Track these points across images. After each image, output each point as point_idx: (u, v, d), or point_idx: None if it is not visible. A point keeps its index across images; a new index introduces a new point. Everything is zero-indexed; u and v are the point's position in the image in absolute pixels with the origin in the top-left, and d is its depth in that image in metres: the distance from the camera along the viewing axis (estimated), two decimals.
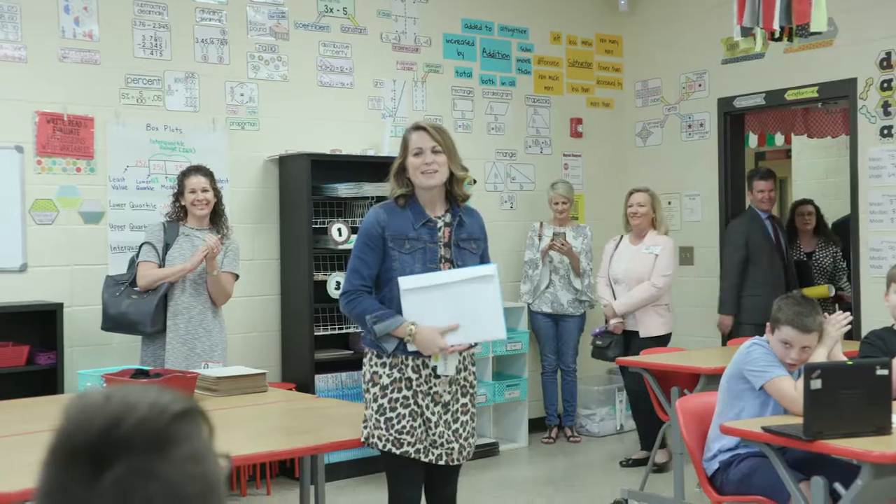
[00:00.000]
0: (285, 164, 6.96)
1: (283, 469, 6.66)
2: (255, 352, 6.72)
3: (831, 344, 4.32)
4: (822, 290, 7.45)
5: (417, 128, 4.05)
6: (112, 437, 1.12)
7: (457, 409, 4.01)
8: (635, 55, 8.76)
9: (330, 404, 5.46)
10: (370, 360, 4.06)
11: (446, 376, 3.96)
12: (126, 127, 6.47)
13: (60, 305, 6.00)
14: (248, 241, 6.60)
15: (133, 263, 5.79)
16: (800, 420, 3.65)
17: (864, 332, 6.28)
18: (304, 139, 7.04)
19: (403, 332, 3.87)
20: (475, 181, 7.88)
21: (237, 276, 6.01)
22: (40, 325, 6.04)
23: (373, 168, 7.07)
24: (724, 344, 7.42)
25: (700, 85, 8.28)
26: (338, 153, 7.03)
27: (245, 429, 4.27)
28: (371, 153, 7.25)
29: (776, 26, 4.74)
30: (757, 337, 4.42)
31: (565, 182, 7.94)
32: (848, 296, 7.59)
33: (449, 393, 3.96)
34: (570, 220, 7.87)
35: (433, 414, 3.92)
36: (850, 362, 3.91)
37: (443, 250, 3.98)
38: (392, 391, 3.93)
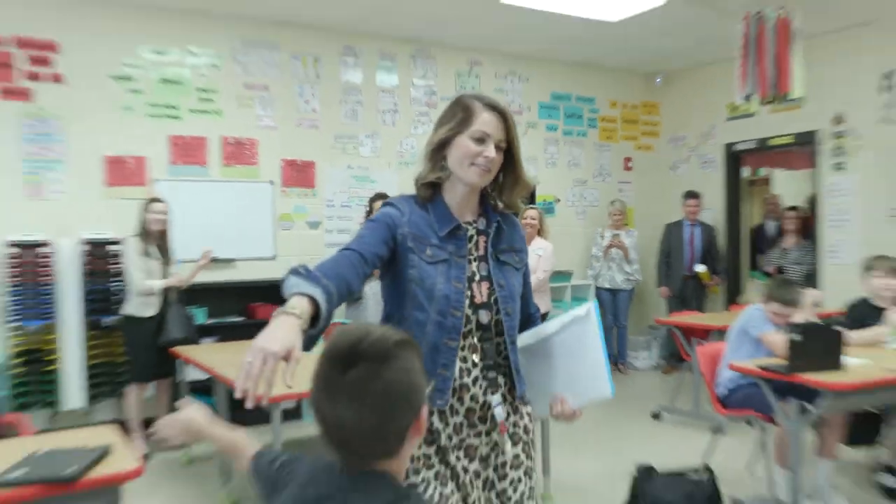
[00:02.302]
0: None
1: None
2: None
3: (806, 310, 4.35)
4: (705, 274, 7.57)
5: (492, 107, 1.98)
6: (356, 349, 1.25)
7: (504, 464, 2.03)
8: (668, 115, 8.65)
9: None
10: None
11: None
12: (334, 168, 6.65)
13: None
14: None
15: None
16: (783, 361, 3.64)
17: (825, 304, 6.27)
18: None
19: (283, 308, 1.60)
20: (558, 200, 8.01)
21: None
22: None
23: None
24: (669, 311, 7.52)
25: (712, 135, 8.17)
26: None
27: None
28: None
29: (768, 94, 4.75)
30: (755, 304, 4.40)
31: (620, 200, 7.92)
32: (718, 279, 7.80)
33: (488, 444, 2.01)
34: (623, 226, 7.85)
35: (466, 472, 1.97)
36: (819, 322, 3.93)
37: (475, 265, 2.00)
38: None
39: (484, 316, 1.99)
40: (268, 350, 1.49)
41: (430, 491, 1.89)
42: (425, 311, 1.93)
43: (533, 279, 6.30)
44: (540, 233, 6.73)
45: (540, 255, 6.71)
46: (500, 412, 1.99)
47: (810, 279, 6.95)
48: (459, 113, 1.98)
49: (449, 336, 1.93)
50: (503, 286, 2.03)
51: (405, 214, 1.99)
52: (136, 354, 5.13)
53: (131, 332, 5.14)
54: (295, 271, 1.69)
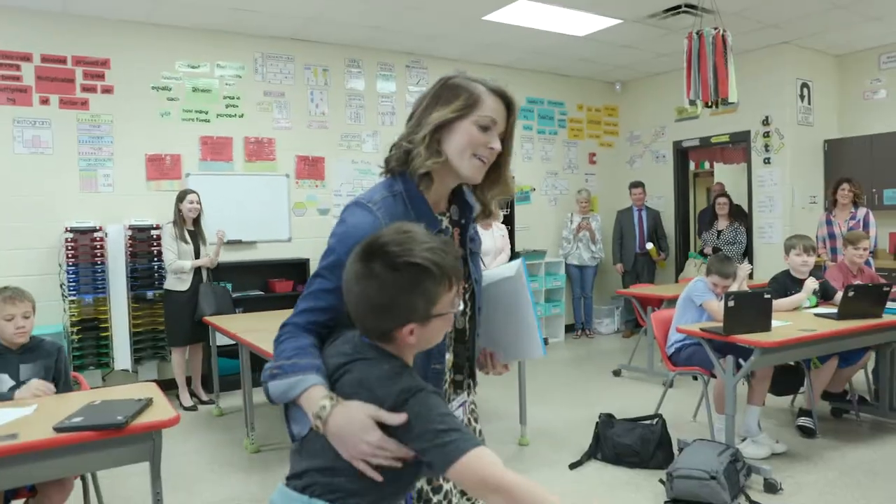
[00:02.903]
0: None
1: None
2: None
3: (740, 281, 4.39)
4: (653, 251, 7.67)
5: (501, 94, 1.49)
6: (378, 248, 1.26)
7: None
8: (626, 117, 8.63)
9: None
10: None
11: None
12: (341, 162, 6.63)
13: (308, 260, 6.18)
14: None
15: None
16: (721, 324, 3.66)
17: (756, 276, 6.35)
18: None
19: (311, 407, 1.24)
20: (534, 189, 8.02)
21: None
22: (298, 270, 6.17)
23: None
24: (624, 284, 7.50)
25: (663, 133, 8.18)
26: None
27: None
28: None
29: (710, 98, 4.77)
30: (699, 277, 4.46)
31: (586, 190, 7.93)
32: (664, 255, 7.84)
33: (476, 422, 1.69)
34: (589, 212, 7.86)
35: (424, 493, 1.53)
36: (750, 291, 3.98)
37: None
38: None
39: (459, 321, 1.55)
40: (372, 442, 1.21)
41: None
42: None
43: (501, 257, 6.27)
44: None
45: (503, 236, 6.71)
46: (459, 415, 1.57)
47: (743, 257, 6.99)
48: (463, 93, 1.46)
49: (438, 349, 1.44)
50: (479, 281, 1.58)
51: (384, 223, 1.37)
52: (173, 323, 5.18)
53: (169, 304, 5.19)
54: (276, 375, 1.32)
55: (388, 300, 1.25)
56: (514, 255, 7.30)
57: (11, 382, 2.79)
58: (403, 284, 1.24)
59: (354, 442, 1.22)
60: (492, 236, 6.55)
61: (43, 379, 2.79)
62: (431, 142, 1.45)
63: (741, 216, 7.26)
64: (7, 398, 2.64)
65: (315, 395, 1.26)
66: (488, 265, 6.32)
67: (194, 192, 5.26)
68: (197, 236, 5.26)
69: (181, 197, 5.20)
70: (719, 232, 7.09)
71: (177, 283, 5.14)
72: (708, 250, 7.04)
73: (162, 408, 2.40)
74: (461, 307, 1.38)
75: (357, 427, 1.22)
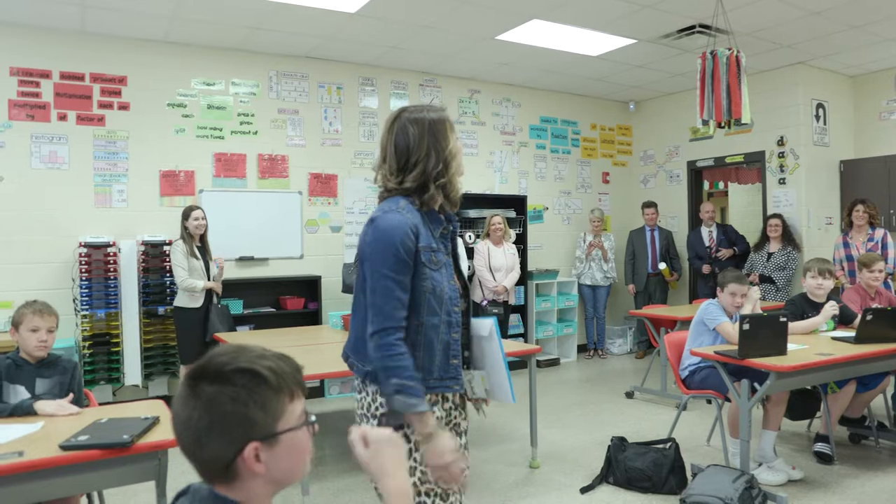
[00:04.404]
0: None
1: None
2: None
3: (752, 303, 4.33)
4: (666, 271, 7.53)
5: (450, 121, 1.90)
6: (203, 367, 1.05)
7: (466, 429, 1.98)
8: (640, 136, 8.61)
9: None
10: (375, 397, 1.84)
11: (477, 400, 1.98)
12: (353, 179, 6.62)
13: (320, 277, 6.16)
14: None
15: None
16: (735, 347, 3.62)
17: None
18: None
19: (423, 427, 1.71)
20: (547, 208, 8.00)
21: None
22: (310, 287, 6.16)
23: (489, 200, 7.19)
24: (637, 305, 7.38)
25: (677, 153, 8.16)
26: (470, 192, 7.00)
27: None
28: (488, 192, 7.30)
29: (723, 119, 4.74)
30: (711, 299, 4.37)
31: (599, 209, 7.88)
32: (677, 275, 7.66)
33: (466, 419, 1.97)
34: (601, 231, 7.81)
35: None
36: (765, 314, 3.93)
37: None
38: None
39: (462, 304, 1.91)
40: (454, 463, 1.74)
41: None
42: (437, 315, 1.80)
43: (512, 275, 6.55)
44: (504, 236, 6.72)
45: (514, 254, 6.72)
46: (478, 384, 1.92)
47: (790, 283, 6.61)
48: (439, 127, 1.85)
49: (455, 331, 1.84)
50: (464, 272, 1.97)
51: (415, 225, 1.78)
52: (185, 340, 5.16)
53: (181, 321, 5.17)
54: (401, 391, 1.71)
55: (218, 417, 1.01)
56: (524, 274, 7.28)
57: (27, 395, 2.80)
58: (234, 395, 1.02)
59: (440, 459, 1.72)
60: (504, 254, 6.58)
61: (56, 395, 2.80)
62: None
63: (793, 240, 6.74)
64: (27, 406, 2.64)
65: (429, 421, 1.73)
66: (500, 281, 6.44)
67: (199, 207, 5.27)
68: (204, 252, 5.25)
69: (186, 214, 5.18)
70: (770, 254, 6.68)
71: (189, 300, 5.12)
72: (754, 278, 6.56)
73: (169, 426, 2.38)
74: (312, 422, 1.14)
75: (446, 449, 1.73)
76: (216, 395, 1.03)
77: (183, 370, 5.23)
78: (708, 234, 7.31)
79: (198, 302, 5.12)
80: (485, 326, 1.91)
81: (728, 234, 7.32)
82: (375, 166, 1.92)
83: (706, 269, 7.15)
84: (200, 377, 1.05)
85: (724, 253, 7.11)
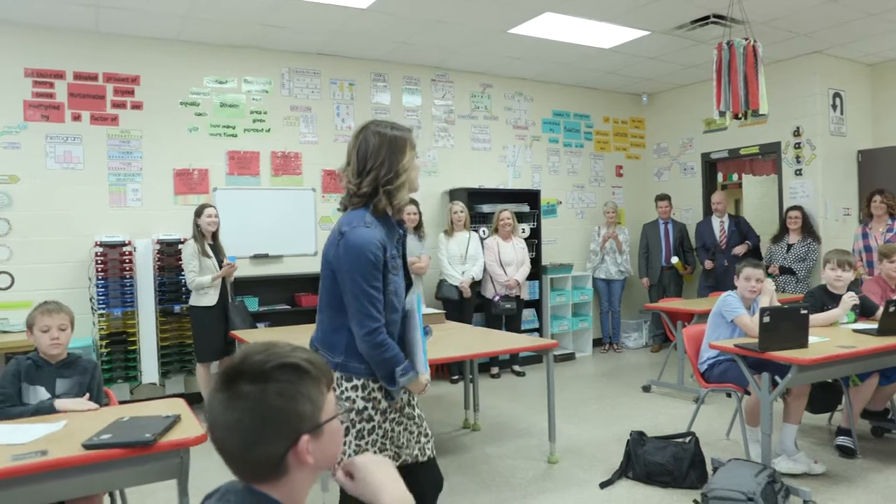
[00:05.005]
0: (453, 194, 6.96)
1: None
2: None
3: (769, 296, 4.28)
4: (679, 264, 7.46)
5: (411, 141, 2.19)
6: (238, 367, 1.05)
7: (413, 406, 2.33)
8: (653, 129, 8.56)
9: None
10: (341, 383, 2.18)
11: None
12: None
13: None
14: (434, 236, 6.64)
15: None
16: (756, 340, 3.59)
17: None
18: (463, 179, 7.10)
19: (418, 387, 2.23)
20: (560, 202, 7.97)
21: (430, 257, 6.19)
22: None
23: (502, 195, 7.19)
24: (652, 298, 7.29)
25: (690, 145, 8.11)
26: (483, 187, 7.06)
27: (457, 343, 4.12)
28: (501, 187, 7.28)
29: (740, 110, 4.68)
30: (728, 292, 4.32)
31: (613, 202, 7.83)
32: (691, 268, 7.61)
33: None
34: (615, 224, 7.76)
35: (399, 424, 2.26)
36: (785, 307, 3.90)
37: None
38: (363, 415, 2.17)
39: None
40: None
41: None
42: (397, 311, 2.15)
43: (523, 269, 6.61)
44: (513, 231, 6.71)
45: (523, 248, 6.72)
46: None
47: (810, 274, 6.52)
48: (400, 144, 2.13)
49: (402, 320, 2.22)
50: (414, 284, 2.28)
51: (381, 239, 2.09)
52: (201, 338, 5.16)
53: (197, 320, 5.17)
54: (403, 374, 2.12)
55: (268, 414, 1.02)
56: (538, 269, 7.26)
57: (47, 395, 2.82)
58: (280, 391, 1.03)
59: (420, 388, 2.25)
60: (513, 249, 6.58)
61: (76, 395, 2.82)
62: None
63: (813, 231, 6.67)
64: (48, 405, 2.67)
65: (422, 379, 2.21)
66: (511, 275, 6.45)
67: (212, 206, 5.27)
68: (217, 250, 5.26)
69: (199, 212, 5.18)
70: (789, 246, 6.60)
71: (202, 298, 5.11)
72: (774, 269, 6.53)
73: (190, 424, 2.39)
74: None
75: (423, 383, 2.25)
76: (261, 393, 1.02)
77: (199, 368, 5.24)
78: (719, 224, 7.24)
79: (212, 299, 5.11)
80: (409, 301, 2.21)
81: (740, 227, 7.24)
82: (341, 170, 2.19)
83: (709, 264, 7.09)
84: (237, 378, 1.04)
85: (739, 249, 7.04)
